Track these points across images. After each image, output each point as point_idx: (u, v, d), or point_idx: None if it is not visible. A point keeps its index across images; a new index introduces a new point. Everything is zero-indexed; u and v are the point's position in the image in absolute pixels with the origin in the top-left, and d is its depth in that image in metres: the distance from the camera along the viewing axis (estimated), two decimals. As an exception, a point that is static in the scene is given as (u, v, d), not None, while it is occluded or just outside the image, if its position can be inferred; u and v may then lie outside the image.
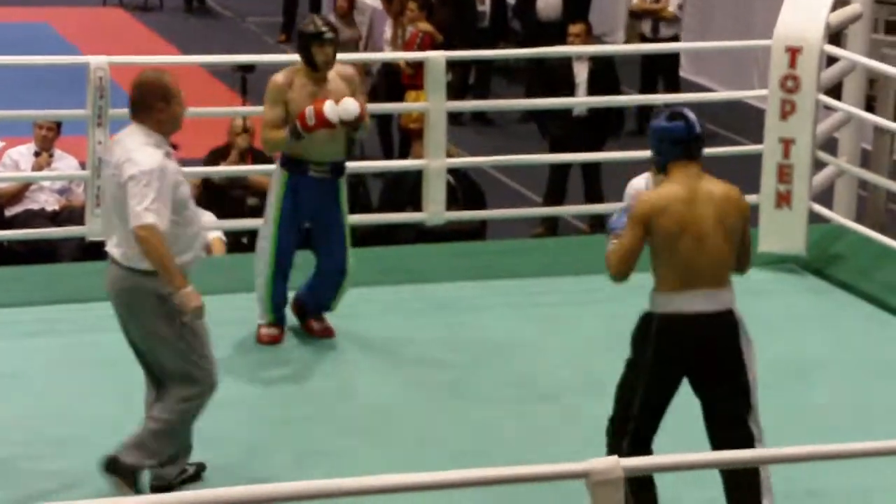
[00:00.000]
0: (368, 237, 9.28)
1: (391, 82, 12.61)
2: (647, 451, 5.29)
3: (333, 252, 7.08)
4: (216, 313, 7.48)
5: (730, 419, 5.27)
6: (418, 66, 10.82)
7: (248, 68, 10.58)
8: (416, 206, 8.56)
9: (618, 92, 11.58)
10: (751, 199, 8.32)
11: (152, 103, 5.55)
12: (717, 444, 5.28)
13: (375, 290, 7.90)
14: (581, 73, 11.48)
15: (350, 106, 6.70)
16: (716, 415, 5.30)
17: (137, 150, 5.48)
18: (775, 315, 7.61)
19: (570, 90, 11.27)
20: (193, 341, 5.57)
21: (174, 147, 5.63)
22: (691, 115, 5.45)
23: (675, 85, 14.79)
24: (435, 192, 8.32)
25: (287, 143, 6.81)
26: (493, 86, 15.31)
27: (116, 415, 6.10)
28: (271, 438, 6.24)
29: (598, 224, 11.58)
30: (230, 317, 7.36)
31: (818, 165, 8.43)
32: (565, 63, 11.47)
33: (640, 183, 9.01)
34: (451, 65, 8.58)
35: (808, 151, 8.10)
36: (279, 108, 6.83)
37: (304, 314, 7.23)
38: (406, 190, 9.52)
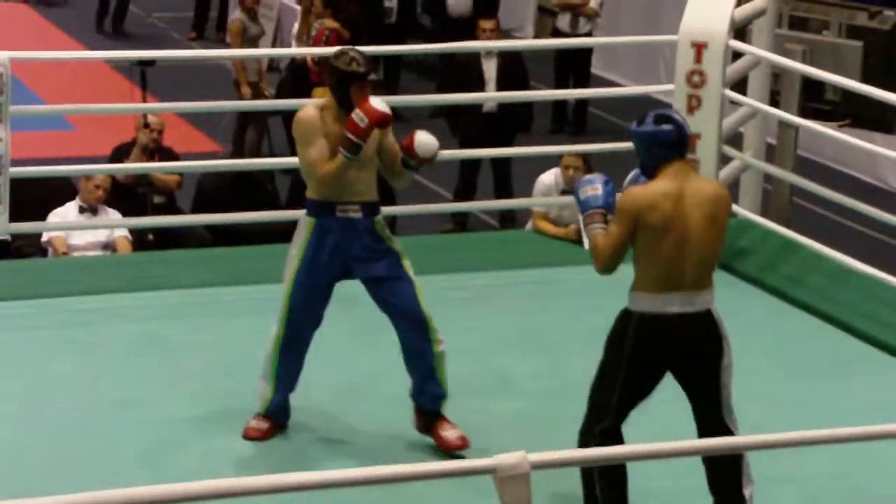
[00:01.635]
0: (278, 234, 9.27)
1: (299, 78, 12.58)
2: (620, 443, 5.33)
3: (401, 295, 6.03)
4: (123, 311, 7.53)
5: (705, 419, 5.32)
6: (325, 62, 10.81)
7: (148, 63, 10.60)
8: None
9: (527, 87, 11.65)
10: (658, 193, 8.48)
11: None
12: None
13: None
14: (490, 69, 11.53)
15: (428, 140, 6.12)
16: (695, 413, 5.35)
17: None
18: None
19: (479, 86, 11.32)
20: None
21: None
22: (678, 116, 5.42)
23: (585, 80, 14.90)
24: (343, 188, 8.28)
25: (346, 164, 5.91)
26: (403, 81, 15.32)
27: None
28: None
29: (509, 219, 11.65)
30: (135, 314, 7.36)
31: (724, 160, 8.51)
32: (475, 59, 11.52)
33: (549, 178, 9.07)
34: (359, 61, 8.54)
35: (714, 146, 8.18)
36: (321, 142, 5.96)
37: (428, 418, 6.11)
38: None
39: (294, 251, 6.06)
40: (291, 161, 11.17)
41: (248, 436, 6.12)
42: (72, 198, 9.27)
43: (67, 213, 9.07)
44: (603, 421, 5.31)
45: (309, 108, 6.08)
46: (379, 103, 5.88)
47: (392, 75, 15.36)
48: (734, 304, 7.91)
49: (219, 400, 6.50)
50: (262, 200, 10.35)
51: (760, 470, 5.59)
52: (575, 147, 9.69)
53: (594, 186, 5.40)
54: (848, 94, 8.51)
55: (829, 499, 5.64)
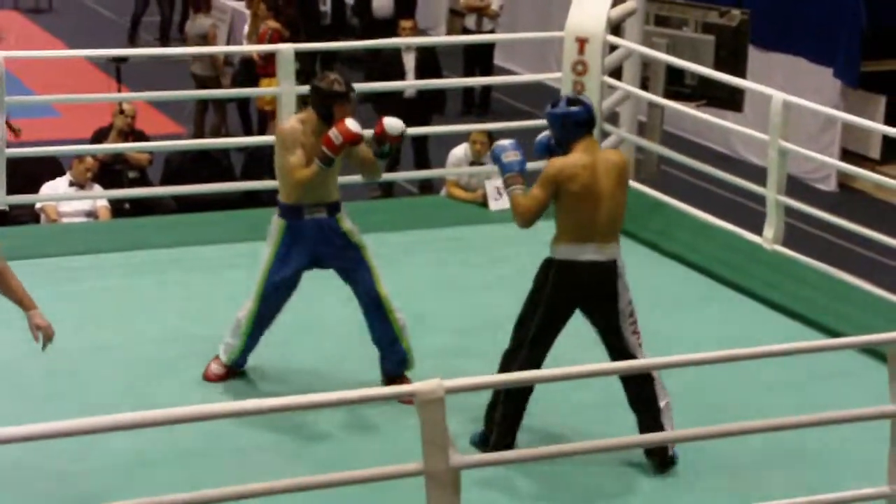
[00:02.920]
0: (235, 203, 9.22)
1: (249, 71, 12.49)
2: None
3: (364, 292, 5.99)
4: (106, 268, 7.46)
5: (613, 345, 5.38)
6: (270, 57, 10.74)
7: (122, 60, 10.55)
8: (273, 174, 8.47)
9: (441, 76, 11.62)
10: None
11: None
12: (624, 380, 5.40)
13: (242, 246, 7.85)
14: (410, 61, 11.49)
15: (395, 122, 5.94)
16: (604, 342, 5.41)
17: None
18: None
19: (401, 76, 11.29)
20: None
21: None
22: (587, 99, 5.45)
23: (489, 70, 14.89)
24: (288, 163, 8.24)
25: (319, 173, 5.79)
26: (336, 72, 15.22)
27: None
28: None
29: (426, 187, 11.64)
30: (116, 271, 7.30)
31: (604, 135, 8.54)
32: (396, 53, 11.48)
33: (459, 152, 9.06)
34: (299, 55, 8.48)
35: (596, 123, 8.19)
36: (299, 151, 5.79)
37: (389, 378, 6.05)
38: (264, 161, 9.45)
39: (268, 247, 5.96)
40: (244, 141, 11.13)
41: (208, 378, 6.08)
42: (59, 174, 9.18)
43: (58, 186, 9.00)
44: (521, 350, 5.35)
45: (291, 120, 5.93)
46: (353, 125, 5.75)
47: (328, 68, 15.25)
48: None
49: (187, 343, 6.46)
50: (220, 174, 10.29)
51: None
52: (481, 126, 9.68)
53: (515, 153, 5.39)
54: (704, 80, 8.55)
55: (688, 409, 5.69)
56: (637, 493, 5.28)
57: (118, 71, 10.72)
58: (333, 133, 5.72)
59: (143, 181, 10.04)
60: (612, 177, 5.31)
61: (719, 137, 13.40)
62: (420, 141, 11.55)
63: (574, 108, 5.32)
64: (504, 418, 5.37)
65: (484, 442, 5.44)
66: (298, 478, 3.87)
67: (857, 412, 4.47)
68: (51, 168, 9.50)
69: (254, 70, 12.35)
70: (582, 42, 8.16)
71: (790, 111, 7.47)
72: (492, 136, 9.05)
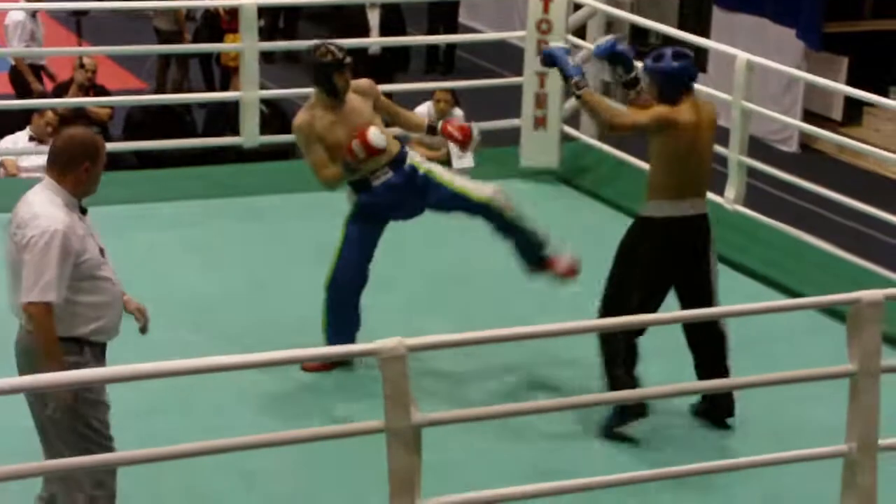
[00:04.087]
0: (196, 158, 9.15)
1: (212, 27, 12.37)
2: (635, 349, 5.29)
3: (455, 205, 5.76)
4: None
5: (697, 301, 5.28)
6: (235, 13, 10.63)
7: (82, 13, 10.39)
8: (235, 131, 8.44)
9: (405, 34, 11.55)
10: (513, 122, 8.47)
11: (80, 161, 4.29)
12: (691, 330, 5.35)
13: (205, 202, 7.83)
14: (374, 18, 11.41)
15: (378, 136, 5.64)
16: (688, 298, 5.31)
17: (44, 208, 4.24)
18: (535, 217, 7.70)
19: (365, 32, 11.22)
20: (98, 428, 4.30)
21: (84, 211, 4.35)
22: (690, 53, 5.31)
23: (453, 28, 14.82)
24: (250, 119, 8.21)
25: (345, 177, 5.71)
26: (300, 29, 15.12)
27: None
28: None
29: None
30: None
31: (568, 93, 8.52)
32: (360, 10, 11.41)
33: (423, 110, 9.03)
34: (263, 11, 8.41)
35: (560, 82, 8.19)
36: (317, 146, 5.65)
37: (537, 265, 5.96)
38: (226, 118, 9.39)
39: (345, 223, 5.82)
40: (207, 96, 11.04)
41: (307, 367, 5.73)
42: (21, 127, 9.08)
43: (18, 140, 8.92)
44: (622, 312, 5.13)
45: (301, 113, 5.73)
46: (376, 138, 5.58)
47: (291, 25, 15.16)
48: (577, 212, 8.02)
49: (147, 301, 6.41)
50: (182, 130, 10.21)
51: (587, 348, 5.67)
52: (445, 84, 9.64)
53: (573, 57, 5.35)
54: (668, 39, 8.55)
55: (650, 369, 5.72)
56: (603, 444, 5.31)
57: (78, 25, 10.61)
58: (356, 146, 5.57)
59: (104, 136, 9.91)
60: (710, 133, 5.27)
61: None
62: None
63: (681, 63, 5.19)
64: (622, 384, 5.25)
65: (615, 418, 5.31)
66: (259, 434, 3.86)
67: (817, 371, 4.50)
68: (10, 121, 9.40)
69: (217, 25, 12.25)
70: (546, 0, 8.12)
71: (753, 72, 7.48)
72: (455, 95, 9.03)
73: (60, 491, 4.30)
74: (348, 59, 5.68)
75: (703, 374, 5.39)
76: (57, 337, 4.17)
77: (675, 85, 5.19)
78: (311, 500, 4.91)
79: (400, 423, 3.79)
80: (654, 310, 5.23)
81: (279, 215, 7.74)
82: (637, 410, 5.26)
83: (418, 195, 5.77)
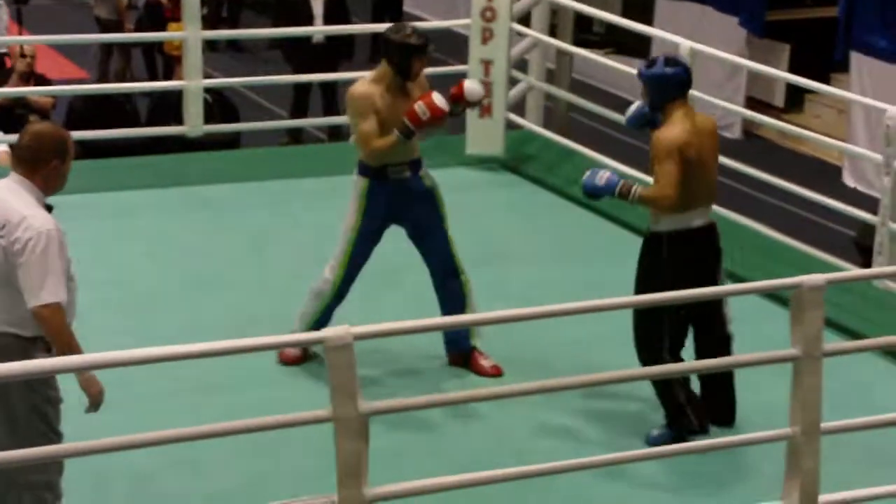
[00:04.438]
0: (139, 148, 9.09)
1: (155, 15, 12.28)
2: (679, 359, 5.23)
3: (438, 251, 5.74)
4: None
5: (708, 312, 5.27)
6: (177, 1, 10.56)
7: (22, 1, 10.29)
8: (179, 120, 8.38)
9: (349, 22, 11.52)
10: (458, 110, 8.47)
11: (48, 158, 4.21)
12: (701, 341, 5.32)
13: (148, 192, 7.77)
14: (318, 6, 11.37)
15: (475, 87, 5.63)
16: (700, 311, 5.27)
17: (29, 209, 4.17)
18: (481, 204, 7.75)
19: (309, 21, 11.17)
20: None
21: (49, 208, 4.27)
22: (684, 59, 5.25)
23: (398, 16, 14.77)
24: (194, 108, 8.15)
25: (397, 144, 5.54)
26: (244, 18, 15.05)
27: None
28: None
29: (336, 133, 11.57)
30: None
31: (513, 82, 8.54)
32: (304, -2, 11.37)
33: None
34: (205, 0, 8.36)
35: (504, 70, 8.21)
36: (373, 118, 5.52)
37: (463, 354, 5.82)
38: (170, 107, 9.33)
39: (354, 211, 5.68)
40: (150, 85, 10.96)
41: (285, 360, 5.76)
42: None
43: None
44: (663, 342, 5.16)
45: (364, 82, 5.60)
46: (440, 101, 5.47)
47: (235, 13, 15.08)
48: (523, 200, 8.05)
49: (92, 290, 6.36)
50: (125, 119, 10.13)
51: (537, 335, 5.68)
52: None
53: (603, 173, 5.19)
54: (612, 27, 8.59)
55: (593, 353, 5.75)
56: (550, 432, 5.34)
57: (19, 13, 10.49)
58: (420, 108, 5.47)
59: (46, 126, 9.83)
60: (711, 142, 5.19)
61: (627, 85, 13.44)
62: (329, 87, 11.47)
63: (675, 69, 5.13)
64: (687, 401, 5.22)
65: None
66: (206, 425, 3.85)
67: (760, 356, 4.54)
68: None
69: (160, 14, 12.16)
70: (491, -12, 8.12)
71: (697, 59, 7.52)
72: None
73: (10, 495, 4.24)
74: (429, 46, 5.58)
75: (706, 378, 5.37)
76: (72, 333, 4.12)
77: (666, 91, 5.14)
78: (257, 488, 4.90)
79: (346, 411, 3.79)
80: (685, 326, 5.24)
81: (226, 204, 7.71)
82: (696, 429, 5.20)
83: (418, 206, 5.71)
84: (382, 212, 5.69)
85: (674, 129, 5.10)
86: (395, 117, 5.55)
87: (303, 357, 5.79)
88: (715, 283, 5.27)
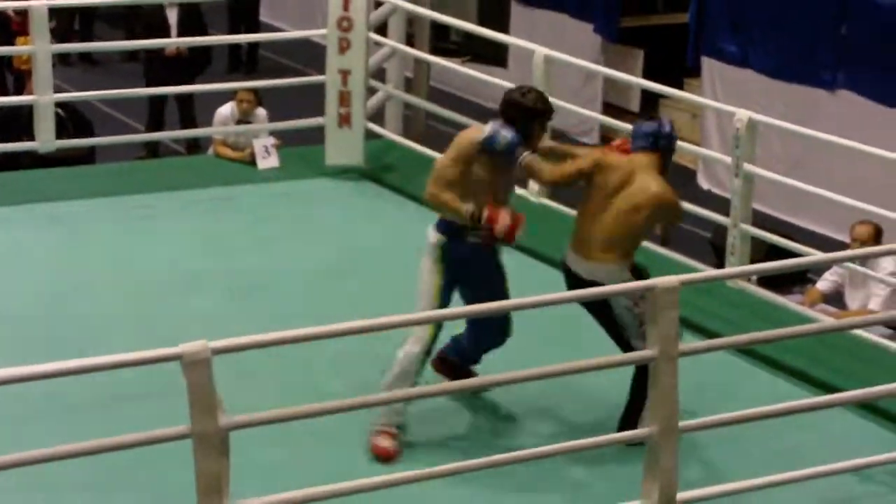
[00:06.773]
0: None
1: (2, 29, 12.02)
2: None
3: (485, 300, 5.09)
4: None
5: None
6: (25, 14, 10.34)
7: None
8: (31, 136, 8.22)
9: (205, 33, 11.42)
10: (317, 121, 8.45)
11: None
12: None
13: (1, 209, 7.62)
14: (173, 17, 11.27)
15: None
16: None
17: None
18: (340, 216, 7.74)
19: (164, 32, 11.05)
20: None
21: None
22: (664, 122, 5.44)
23: (255, 27, 14.72)
24: (44, 123, 7.99)
25: (456, 213, 5.28)
26: (97, 30, 14.82)
27: None
28: None
29: (194, 146, 11.45)
30: None
31: (371, 91, 8.55)
32: (159, 9, 11.24)
33: (226, 110, 8.94)
34: (55, 12, 8.21)
35: (362, 80, 8.21)
36: (461, 166, 5.23)
37: (455, 370, 5.64)
38: (20, 123, 9.15)
39: (433, 273, 5.33)
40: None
41: (380, 454, 5.27)
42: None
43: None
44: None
45: (474, 132, 5.34)
46: (511, 234, 5.22)
47: (87, 25, 14.83)
48: (382, 209, 8.06)
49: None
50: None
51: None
52: (248, 83, 9.57)
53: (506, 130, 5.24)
54: (469, 35, 8.66)
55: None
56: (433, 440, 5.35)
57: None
58: (500, 230, 5.21)
59: None
60: (627, 199, 5.24)
61: (486, 93, 13.56)
62: (185, 99, 11.36)
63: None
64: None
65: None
66: (64, 445, 3.77)
67: (616, 358, 4.62)
68: None
69: (7, 27, 11.90)
70: (347, -3, 8.13)
71: (552, 66, 7.63)
72: (258, 95, 8.97)
73: None
74: (552, 112, 5.40)
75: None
76: None
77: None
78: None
79: (206, 427, 3.76)
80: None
81: (80, 221, 7.58)
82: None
83: (481, 274, 5.44)
84: (455, 274, 5.38)
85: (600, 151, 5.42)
86: (489, 178, 5.26)
87: (397, 450, 5.29)
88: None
